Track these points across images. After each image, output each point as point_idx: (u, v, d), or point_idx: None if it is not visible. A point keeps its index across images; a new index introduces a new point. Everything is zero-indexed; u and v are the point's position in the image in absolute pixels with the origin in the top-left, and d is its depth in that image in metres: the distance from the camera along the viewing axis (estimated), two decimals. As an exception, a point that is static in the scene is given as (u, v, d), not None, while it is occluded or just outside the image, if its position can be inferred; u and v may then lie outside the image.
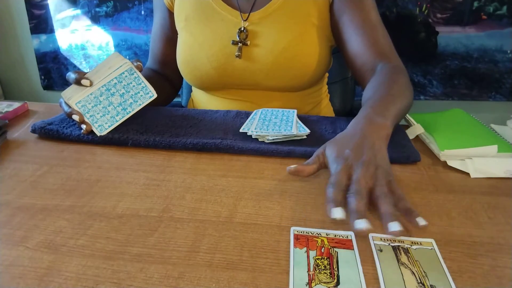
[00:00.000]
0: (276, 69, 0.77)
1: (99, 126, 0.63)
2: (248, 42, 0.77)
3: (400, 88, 0.63)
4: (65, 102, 0.66)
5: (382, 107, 0.57)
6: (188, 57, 0.80)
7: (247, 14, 0.78)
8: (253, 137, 0.63)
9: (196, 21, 0.80)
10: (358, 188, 0.44)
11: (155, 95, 0.66)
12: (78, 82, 0.62)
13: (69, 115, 0.64)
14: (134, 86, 0.64)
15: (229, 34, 0.78)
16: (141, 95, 0.65)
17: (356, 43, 0.75)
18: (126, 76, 0.63)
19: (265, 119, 0.67)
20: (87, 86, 0.61)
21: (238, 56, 0.77)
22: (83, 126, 0.63)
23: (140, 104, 0.66)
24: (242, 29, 0.77)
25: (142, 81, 0.64)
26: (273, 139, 0.62)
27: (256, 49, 0.77)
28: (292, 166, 0.52)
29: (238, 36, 0.77)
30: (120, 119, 0.65)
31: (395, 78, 0.65)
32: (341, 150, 0.49)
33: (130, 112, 0.65)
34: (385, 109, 0.56)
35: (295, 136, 0.63)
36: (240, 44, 0.77)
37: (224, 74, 0.79)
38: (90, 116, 0.63)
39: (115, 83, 0.63)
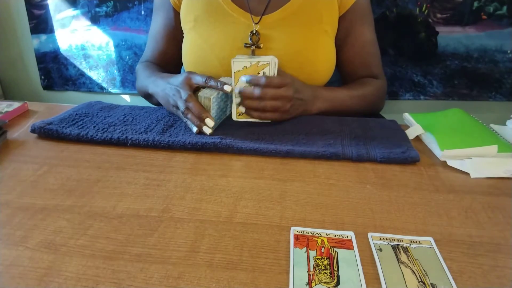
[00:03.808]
0: (288, 73, 0.77)
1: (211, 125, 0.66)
2: (261, 45, 0.77)
3: (362, 99, 0.80)
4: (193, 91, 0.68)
5: (335, 96, 0.76)
6: (198, 58, 0.80)
7: (259, 17, 0.77)
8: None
9: (206, 23, 0.79)
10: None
11: (228, 115, 0.73)
12: (221, 89, 0.65)
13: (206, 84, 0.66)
14: (229, 97, 0.72)
15: (241, 37, 0.77)
16: (228, 108, 0.73)
17: (352, 62, 0.84)
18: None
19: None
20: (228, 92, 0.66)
21: None
22: (209, 123, 0.64)
23: (225, 115, 0.73)
24: (254, 31, 0.77)
25: (231, 102, 0.71)
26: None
27: (269, 52, 0.77)
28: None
29: (251, 39, 0.77)
30: (218, 122, 0.70)
31: (368, 92, 0.81)
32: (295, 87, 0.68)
33: (221, 119, 0.71)
34: (335, 99, 0.76)
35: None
36: (253, 47, 0.77)
37: None
38: (212, 113, 0.66)
39: (224, 95, 0.69)
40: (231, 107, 0.72)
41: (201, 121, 0.65)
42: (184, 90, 0.67)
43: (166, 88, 0.71)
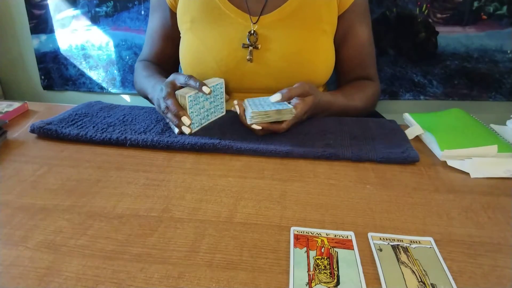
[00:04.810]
0: (287, 74, 0.76)
1: (192, 124, 0.65)
2: (259, 46, 0.76)
3: (360, 101, 0.81)
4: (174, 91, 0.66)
5: (343, 101, 0.77)
6: (195, 60, 0.79)
7: (257, 17, 0.77)
8: (252, 121, 0.62)
9: (203, 23, 0.78)
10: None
11: (224, 113, 0.73)
12: (200, 88, 0.64)
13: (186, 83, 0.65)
14: (218, 98, 0.71)
15: (238, 37, 0.76)
16: (218, 108, 0.72)
17: (350, 61, 0.85)
18: (218, 87, 0.69)
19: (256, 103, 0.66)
20: (206, 93, 0.64)
21: (250, 60, 0.76)
22: (185, 121, 0.63)
23: (215, 116, 0.72)
24: (252, 32, 0.76)
25: (223, 97, 0.72)
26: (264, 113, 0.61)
27: (267, 53, 0.76)
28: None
29: (248, 39, 0.76)
30: (204, 123, 0.69)
31: (366, 95, 0.83)
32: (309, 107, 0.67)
33: (208, 120, 0.70)
34: (341, 103, 0.76)
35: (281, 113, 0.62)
36: (251, 48, 0.76)
37: (233, 78, 0.78)
38: (190, 112, 0.65)
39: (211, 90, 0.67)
40: (221, 108, 0.72)
41: (178, 119, 0.64)
42: (166, 89, 0.66)
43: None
